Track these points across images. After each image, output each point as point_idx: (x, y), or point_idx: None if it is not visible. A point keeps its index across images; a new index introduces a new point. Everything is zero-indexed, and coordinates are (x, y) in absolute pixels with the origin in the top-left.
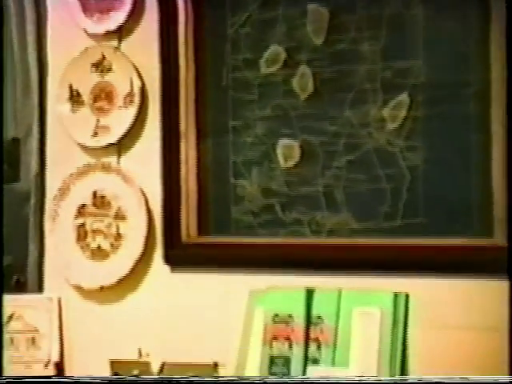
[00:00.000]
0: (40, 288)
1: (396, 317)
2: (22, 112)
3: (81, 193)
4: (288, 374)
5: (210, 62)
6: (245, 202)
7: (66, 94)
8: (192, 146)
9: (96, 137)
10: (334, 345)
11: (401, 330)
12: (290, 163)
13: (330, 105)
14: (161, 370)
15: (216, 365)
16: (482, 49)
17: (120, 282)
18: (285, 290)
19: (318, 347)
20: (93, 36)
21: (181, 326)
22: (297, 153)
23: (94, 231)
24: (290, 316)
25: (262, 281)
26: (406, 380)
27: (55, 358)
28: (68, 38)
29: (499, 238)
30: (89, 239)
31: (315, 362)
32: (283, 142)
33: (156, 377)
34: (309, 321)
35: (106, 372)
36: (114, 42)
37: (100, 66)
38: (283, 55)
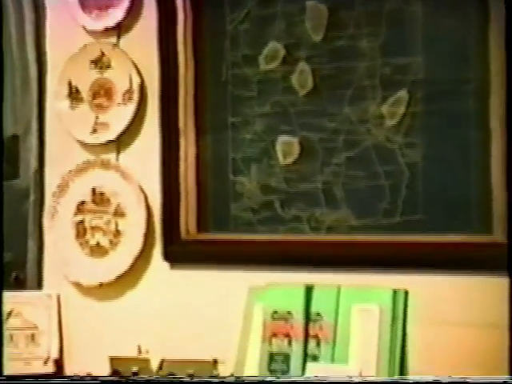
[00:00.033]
0: (39, 285)
1: (395, 313)
2: (21, 109)
3: (80, 190)
4: (287, 370)
5: (209, 59)
6: (244, 199)
7: (65, 91)
8: (191, 142)
9: (95, 133)
10: (334, 341)
11: (400, 326)
12: (289, 160)
13: (329, 101)
14: (160, 367)
15: (215, 362)
16: (482, 45)
17: (119, 278)
18: (284, 286)
19: (318, 344)
20: (91, 33)
21: (180, 322)
22: (296, 149)
23: (93, 228)
24: (289, 313)
25: (261, 277)
26: (405, 380)
27: (54, 354)
28: (67, 35)
29: (498, 235)
30: (88, 236)
31: (315, 358)
32: (282, 139)
33: (153, 377)
34: (308, 317)
35: (105, 368)
36: (113, 39)
37: (99, 63)
38: (282, 52)
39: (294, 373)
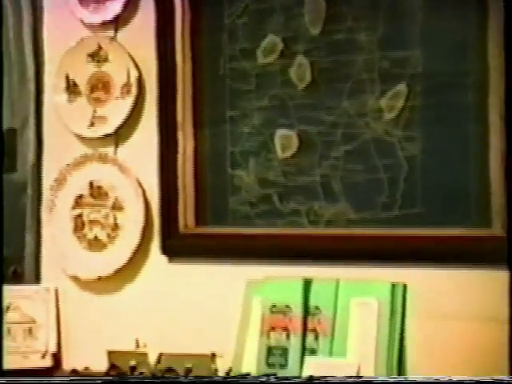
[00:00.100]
0: (37, 278)
1: (393, 307)
2: (19, 102)
3: (77, 183)
4: (285, 364)
5: (207, 53)
6: (242, 193)
7: (63, 85)
8: (189, 136)
9: (93, 127)
10: (332, 335)
11: (398, 320)
12: (288, 153)
13: (327, 95)
14: (158, 361)
15: (214, 355)
16: (480, 39)
17: (117, 272)
18: (282, 280)
19: (316, 337)
20: (89, 26)
21: (178, 316)
22: (294, 143)
23: (91, 222)
24: (287, 306)
25: (259, 271)
26: (405, 380)
27: (52, 348)
28: (64, 28)
29: (497, 229)
30: (86, 230)
31: (313, 352)
32: (281, 132)
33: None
34: (306, 311)
35: (103, 362)
36: (111, 33)
37: (96, 57)
38: (280, 45)
39: (292, 366)
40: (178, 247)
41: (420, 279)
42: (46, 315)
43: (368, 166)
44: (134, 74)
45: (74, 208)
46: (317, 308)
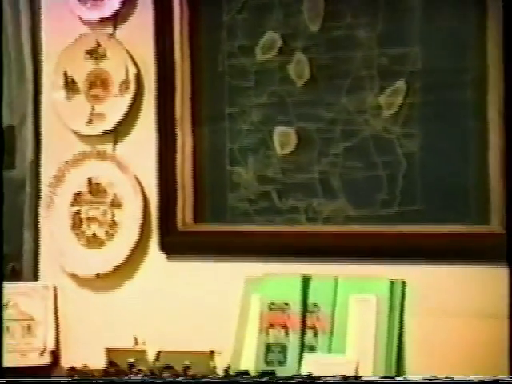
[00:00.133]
0: (35, 276)
1: (392, 304)
2: (17, 99)
3: (76, 180)
4: (284, 361)
5: (205, 49)
6: (241, 190)
7: (61, 82)
8: (188, 133)
9: (91, 124)
10: (331, 332)
11: (397, 317)
12: (287, 150)
13: (326, 92)
14: (157, 358)
15: (212, 353)
16: (480, 36)
17: (116, 269)
18: (281, 277)
19: (315, 334)
20: (87, 23)
21: (177, 313)
22: (293, 140)
23: (90, 219)
24: (286, 303)
25: (258, 268)
26: (404, 380)
27: (51, 346)
28: (62, 25)
29: (496, 225)
30: (84, 227)
31: (312, 349)
32: (280, 129)
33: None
34: (305, 308)
35: (101, 360)
36: (109, 29)
37: (94, 53)
38: (279, 42)
39: (291, 364)
40: (176, 244)
41: (419, 276)
42: (44, 312)
43: (367, 163)
44: (132, 70)
45: (72, 205)
46: (315, 305)
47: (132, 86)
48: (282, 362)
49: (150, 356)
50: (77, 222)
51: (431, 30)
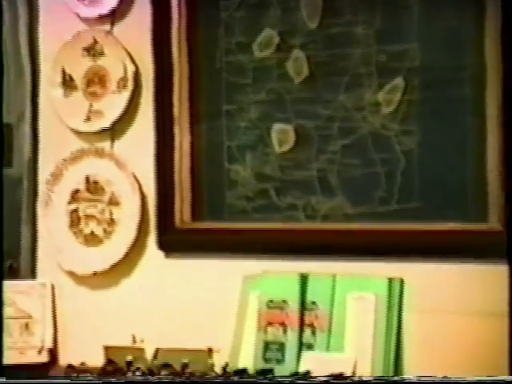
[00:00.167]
0: (33, 273)
1: (391, 302)
2: (15, 97)
3: (74, 178)
4: (282, 359)
5: (203, 46)
6: (239, 187)
7: (59, 79)
8: (186, 130)
9: (89, 121)
10: (329, 330)
11: (395, 315)
12: (285, 148)
13: (324, 89)
14: (155, 356)
15: (210, 350)
16: (478, 32)
17: (113, 267)
18: (279, 275)
19: (313, 332)
20: (85, 20)
21: (175, 311)
22: (291, 137)
23: (88, 217)
24: (284, 301)
25: (256, 266)
26: (403, 380)
27: (49, 344)
28: (60, 22)
29: (494, 223)
30: (82, 225)
31: (310, 347)
32: (278, 127)
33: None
34: (303, 306)
35: (99, 358)
36: (107, 26)
37: (92, 51)
38: (277, 39)
39: (289, 362)
40: (174, 242)
41: (417, 274)
42: (42, 310)
43: (365, 160)
44: (130, 68)
45: (70, 203)
46: (314, 303)
47: (130, 84)
48: (280, 360)
49: (148, 354)
50: (74, 220)
51: (429, 27)
